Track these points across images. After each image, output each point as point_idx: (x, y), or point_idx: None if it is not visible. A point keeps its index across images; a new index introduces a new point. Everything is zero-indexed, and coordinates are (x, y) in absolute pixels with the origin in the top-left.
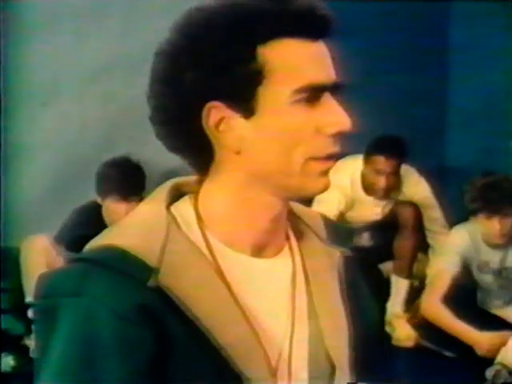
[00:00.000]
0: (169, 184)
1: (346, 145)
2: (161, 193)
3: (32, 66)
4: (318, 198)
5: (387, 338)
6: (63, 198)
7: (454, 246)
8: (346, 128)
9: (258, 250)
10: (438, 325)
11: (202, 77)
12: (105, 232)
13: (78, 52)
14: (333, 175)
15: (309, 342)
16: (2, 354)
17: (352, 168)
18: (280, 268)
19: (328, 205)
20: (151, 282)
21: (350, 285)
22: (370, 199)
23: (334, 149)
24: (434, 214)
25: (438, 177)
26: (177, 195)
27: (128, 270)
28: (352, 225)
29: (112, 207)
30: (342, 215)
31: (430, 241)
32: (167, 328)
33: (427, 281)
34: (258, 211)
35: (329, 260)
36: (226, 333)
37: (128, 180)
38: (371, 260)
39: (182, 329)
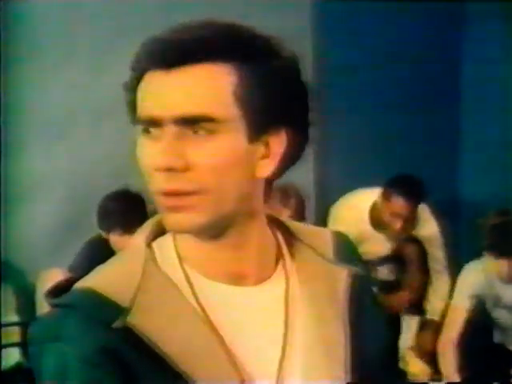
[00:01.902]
0: (154, 219)
1: (359, 179)
2: (144, 230)
3: (47, 100)
4: None
5: (403, 374)
6: (76, 232)
7: (467, 284)
8: (158, 166)
9: (236, 280)
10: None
11: None
12: (90, 274)
13: (92, 86)
14: (339, 210)
15: (300, 376)
16: None
17: (361, 204)
18: (266, 296)
19: None
20: (117, 323)
21: (357, 305)
22: (377, 235)
23: (166, 185)
24: (437, 253)
25: (451, 212)
26: (161, 230)
27: (96, 312)
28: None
29: (117, 241)
30: None
31: (432, 278)
32: (133, 368)
33: (428, 317)
34: (207, 243)
35: (331, 281)
36: (200, 368)
37: (129, 212)
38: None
39: (149, 367)
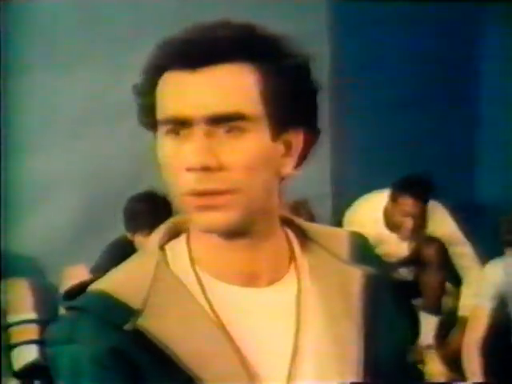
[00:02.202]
0: (168, 222)
1: (375, 179)
2: (158, 232)
3: (62, 101)
4: None
5: (420, 375)
6: (92, 230)
7: (488, 284)
8: (192, 165)
9: (248, 281)
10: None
11: None
12: (104, 276)
13: (107, 87)
14: (355, 213)
15: (312, 377)
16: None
17: (375, 205)
18: (279, 297)
19: None
20: (128, 326)
21: (372, 305)
22: (394, 236)
23: (198, 185)
24: (463, 250)
25: (468, 213)
26: (176, 233)
27: (108, 314)
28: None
29: (143, 242)
30: None
31: (462, 275)
32: (143, 369)
33: (459, 313)
34: (222, 243)
35: (345, 282)
36: (211, 370)
37: (156, 214)
38: (406, 295)
39: (160, 370)
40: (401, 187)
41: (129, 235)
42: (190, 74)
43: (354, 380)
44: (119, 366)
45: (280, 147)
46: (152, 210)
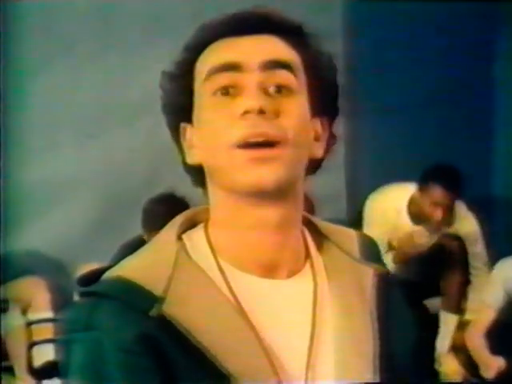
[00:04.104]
0: (184, 214)
1: (390, 178)
2: (174, 223)
3: (79, 99)
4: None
5: (436, 375)
6: (109, 230)
7: (498, 280)
8: (249, 107)
9: (269, 271)
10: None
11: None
12: (119, 263)
13: (124, 85)
14: (378, 204)
15: (330, 368)
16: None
17: (398, 197)
18: (297, 289)
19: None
20: (154, 312)
21: (384, 303)
22: (415, 229)
23: (253, 129)
24: (476, 249)
25: (485, 207)
26: (191, 224)
27: (132, 300)
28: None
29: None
30: (390, 245)
31: (471, 277)
32: (170, 356)
33: (468, 316)
34: (252, 226)
35: (358, 278)
36: (235, 359)
37: (174, 215)
38: (418, 295)
39: (185, 356)
40: (431, 177)
41: (145, 236)
42: (239, 38)
43: (371, 373)
44: (148, 352)
45: (314, 127)
46: (171, 211)
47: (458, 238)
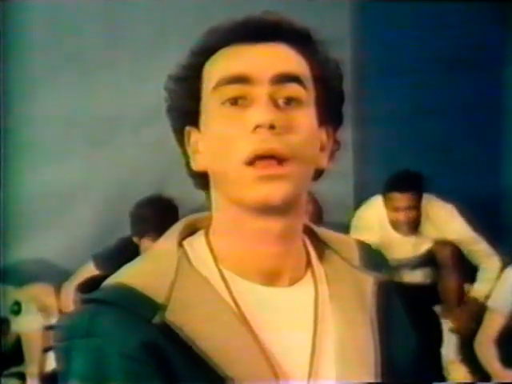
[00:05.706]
0: (184, 220)
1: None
2: (174, 230)
3: (86, 108)
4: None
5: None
6: (115, 237)
7: (506, 285)
8: (261, 122)
9: (271, 279)
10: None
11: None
12: (119, 270)
13: (132, 93)
14: (360, 219)
15: (334, 376)
16: None
17: (379, 208)
18: (298, 297)
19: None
20: (156, 319)
21: (384, 311)
22: (400, 237)
23: (263, 145)
24: (477, 247)
25: (492, 206)
26: (192, 231)
27: (133, 307)
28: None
29: (149, 247)
30: None
31: (480, 264)
32: (172, 363)
33: (472, 292)
34: (255, 235)
35: (358, 286)
36: (237, 366)
37: (162, 218)
38: (427, 300)
39: (188, 363)
40: (388, 185)
41: (135, 239)
42: (250, 46)
43: (372, 380)
44: (152, 359)
45: (320, 137)
46: (159, 214)
47: (448, 244)
